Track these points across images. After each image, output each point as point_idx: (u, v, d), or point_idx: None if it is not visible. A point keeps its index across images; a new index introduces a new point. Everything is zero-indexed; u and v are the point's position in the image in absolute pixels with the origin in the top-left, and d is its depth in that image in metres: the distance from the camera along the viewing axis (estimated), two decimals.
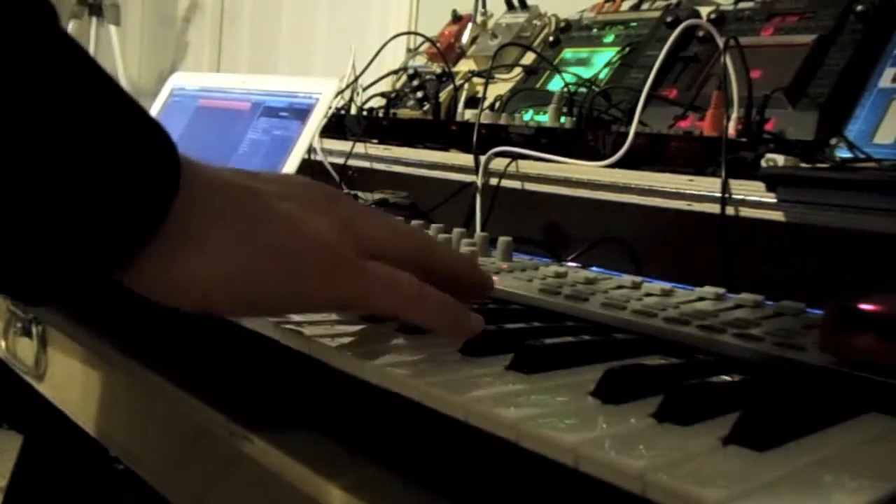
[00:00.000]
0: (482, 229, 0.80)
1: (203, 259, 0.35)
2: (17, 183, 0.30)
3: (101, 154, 0.32)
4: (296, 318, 0.44)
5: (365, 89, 1.14)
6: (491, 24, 1.19)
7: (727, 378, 0.36)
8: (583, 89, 0.88)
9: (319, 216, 0.39)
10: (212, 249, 0.36)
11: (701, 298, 0.55)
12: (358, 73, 1.13)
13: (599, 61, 0.95)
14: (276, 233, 0.37)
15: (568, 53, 1.00)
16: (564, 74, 0.91)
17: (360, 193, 0.89)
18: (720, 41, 0.74)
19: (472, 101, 1.01)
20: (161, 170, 0.34)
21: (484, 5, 1.22)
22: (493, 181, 0.84)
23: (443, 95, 1.06)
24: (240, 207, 0.37)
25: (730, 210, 0.65)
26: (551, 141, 0.80)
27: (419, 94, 1.09)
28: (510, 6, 1.16)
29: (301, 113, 1.02)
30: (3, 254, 0.32)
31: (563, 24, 1.05)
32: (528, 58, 1.04)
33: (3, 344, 0.75)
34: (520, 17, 1.12)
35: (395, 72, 1.21)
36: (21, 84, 0.31)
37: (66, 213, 0.31)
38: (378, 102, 1.13)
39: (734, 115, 0.70)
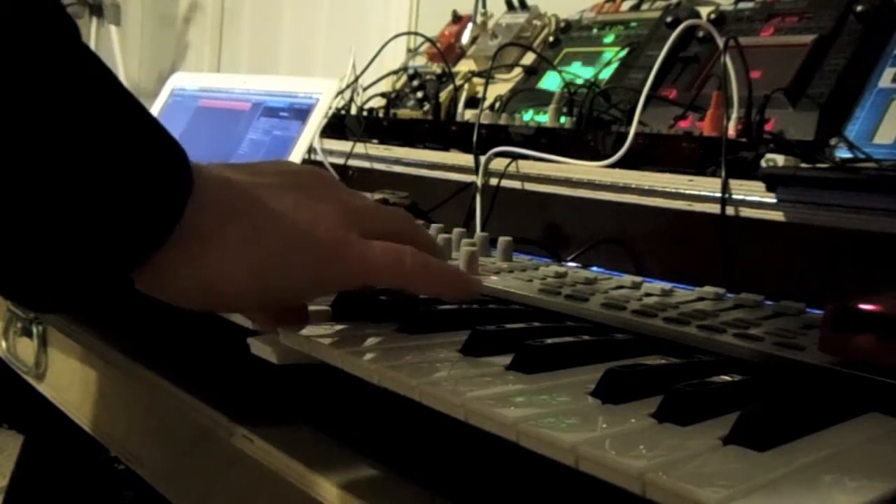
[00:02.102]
0: (482, 229, 0.80)
1: (228, 257, 0.36)
2: (33, 191, 0.31)
3: (115, 160, 0.33)
4: None
5: (365, 89, 1.14)
6: (491, 24, 1.19)
7: (727, 378, 0.36)
8: (583, 89, 0.88)
9: (322, 203, 0.41)
10: (235, 247, 0.37)
11: (701, 298, 0.55)
12: (358, 73, 1.13)
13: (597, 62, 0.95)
14: (290, 225, 0.39)
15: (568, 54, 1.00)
16: (564, 74, 0.91)
17: (360, 194, 0.89)
18: (720, 41, 0.74)
19: (472, 102, 1.01)
20: (173, 173, 0.35)
21: (484, 5, 1.22)
22: (493, 181, 0.84)
23: (443, 95, 1.06)
24: (249, 204, 0.38)
25: (730, 210, 0.65)
26: (551, 141, 0.80)
27: (419, 94, 1.09)
28: (510, 6, 1.16)
29: (301, 113, 1.02)
30: (19, 263, 0.32)
31: (563, 25, 1.05)
32: (528, 58, 1.04)
33: (3, 344, 0.75)
34: (520, 18, 1.12)
35: (395, 72, 1.21)
36: (42, 95, 0.31)
37: (82, 218, 0.32)
38: (378, 102, 1.13)
39: (734, 116, 0.70)
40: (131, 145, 0.33)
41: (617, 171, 0.73)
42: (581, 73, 0.94)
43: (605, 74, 0.92)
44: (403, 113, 1.06)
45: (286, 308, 0.43)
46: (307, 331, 0.41)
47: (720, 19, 0.84)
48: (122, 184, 0.33)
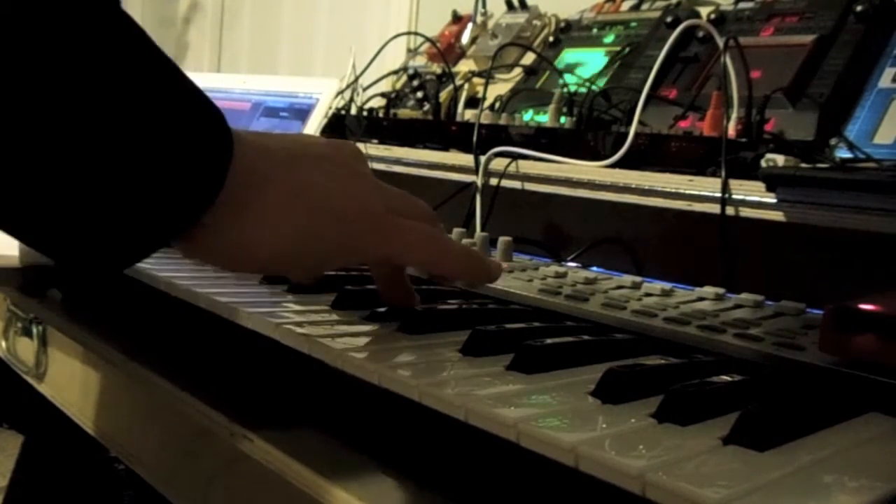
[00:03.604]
0: (482, 229, 0.80)
1: (265, 221, 0.38)
2: (84, 157, 0.32)
3: (160, 126, 0.33)
4: (296, 317, 0.44)
5: (365, 89, 1.14)
6: (491, 24, 1.19)
7: (727, 378, 0.36)
8: (583, 89, 0.88)
9: (354, 177, 0.42)
10: (272, 212, 0.38)
11: (701, 298, 0.55)
12: (358, 73, 1.13)
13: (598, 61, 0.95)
14: (324, 194, 0.40)
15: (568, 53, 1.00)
16: (564, 74, 0.91)
17: None
18: (720, 41, 0.74)
19: (472, 101, 1.01)
20: (215, 139, 0.35)
21: (484, 5, 1.22)
22: (493, 181, 0.84)
23: (443, 95, 1.06)
24: (286, 171, 0.39)
25: (730, 210, 0.65)
26: (551, 141, 0.80)
27: (419, 94, 1.09)
28: (510, 6, 1.16)
29: (301, 113, 1.02)
30: (70, 224, 0.33)
31: (563, 25, 1.05)
32: (528, 58, 1.04)
33: (3, 344, 0.75)
34: (520, 18, 1.12)
35: (395, 72, 1.21)
36: (86, 63, 0.32)
37: (131, 183, 0.33)
38: (378, 102, 1.13)
39: (734, 116, 0.70)
40: (175, 113, 0.34)
41: (617, 171, 0.73)
42: (581, 72, 0.94)
43: (604, 75, 0.92)
44: (403, 113, 1.06)
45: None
46: (307, 329, 0.41)
47: (720, 19, 0.84)
48: (167, 152, 0.33)
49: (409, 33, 1.37)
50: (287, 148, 0.40)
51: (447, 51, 1.17)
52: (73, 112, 0.31)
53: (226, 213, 0.36)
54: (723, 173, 0.65)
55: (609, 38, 0.97)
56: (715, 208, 0.65)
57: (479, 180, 0.83)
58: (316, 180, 0.40)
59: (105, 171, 0.32)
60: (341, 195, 0.40)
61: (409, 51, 1.33)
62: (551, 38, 1.05)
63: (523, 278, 0.58)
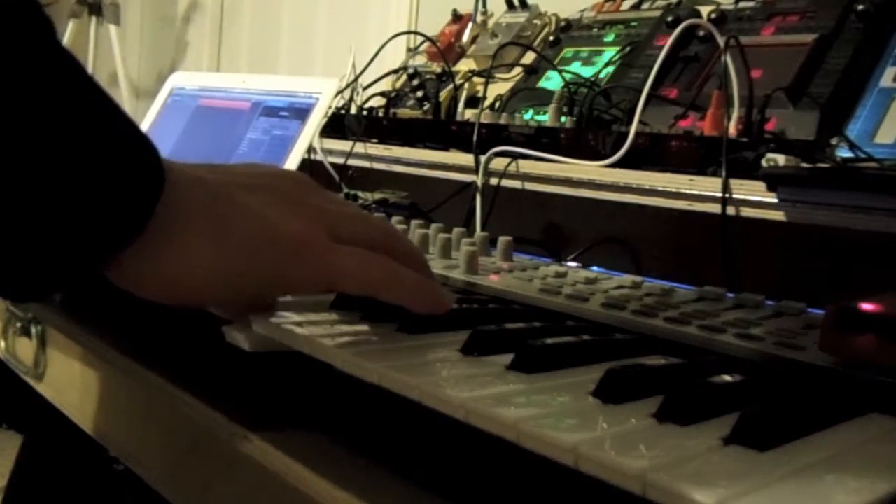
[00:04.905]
0: (482, 229, 0.80)
1: (185, 255, 0.38)
2: (7, 186, 0.32)
3: (90, 159, 0.34)
4: (295, 317, 0.44)
5: (365, 89, 1.14)
6: (491, 23, 1.19)
7: (727, 378, 0.36)
8: (583, 89, 0.88)
9: (294, 205, 0.41)
10: (194, 245, 0.38)
11: (701, 298, 0.55)
12: (358, 72, 1.13)
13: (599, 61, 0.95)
14: (252, 226, 0.39)
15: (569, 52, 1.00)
16: (565, 73, 0.91)
17: (360, 193, 0.89)
18: (721, 41, 0.74)
19: (473, 101, 1.01)
20: (146, 173, 0.36)
21: (484, 5, 1.22)
22: (493, 181, 0.84)
23: (443, 95, 1.06)
24: (217, 201, 0.39)
25: (730, 210, 0.65)
26: (552, 141, 0.80)
27: (419, 94, 1.09)
28: (510, 6, 1.16)
29: (301, 113, 1.02)
30: None
31: (563, 24, 1.05)
32: (529, 57, 1.04)
33: (2, 344, 0.75)
34: (520, 17, 1.12)
35: (395, 71, 1.21)
36: (16, 93, 0.32)
37: (58, 214, 0.33)
38: (378, 102, 1.13)
39: (735, 115, 0.70)
40: (103, 147, 0.34)
41: (617, 170, 0.73)
42: (581, 72, 0.94)
43: (606, 74, 0.92)
44: (403, 112, 1.06)
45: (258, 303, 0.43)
46: (307, 330, 0.41)
47: (721, 18, 0.84)
48: (93, 185, 0.34)
49: (409, 33, 1.37)
50: (224, 179, 0.40)
51: (447, 50, 1.17)
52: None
53: (150, 246, 0.36)
54: (723, 173, 0.65)
55: (609, 38, 0.97)
56: (715, 208, 0.65)
57: (479, 180, 0.83)
58: (248, 209, 0.39)
59: (25, 202, 0.32)
60: (273, 225, 0.40)
61: (409, 50, 1.33)
62: (551, 38, 1.05)
63: (523, 278, 0.58)
